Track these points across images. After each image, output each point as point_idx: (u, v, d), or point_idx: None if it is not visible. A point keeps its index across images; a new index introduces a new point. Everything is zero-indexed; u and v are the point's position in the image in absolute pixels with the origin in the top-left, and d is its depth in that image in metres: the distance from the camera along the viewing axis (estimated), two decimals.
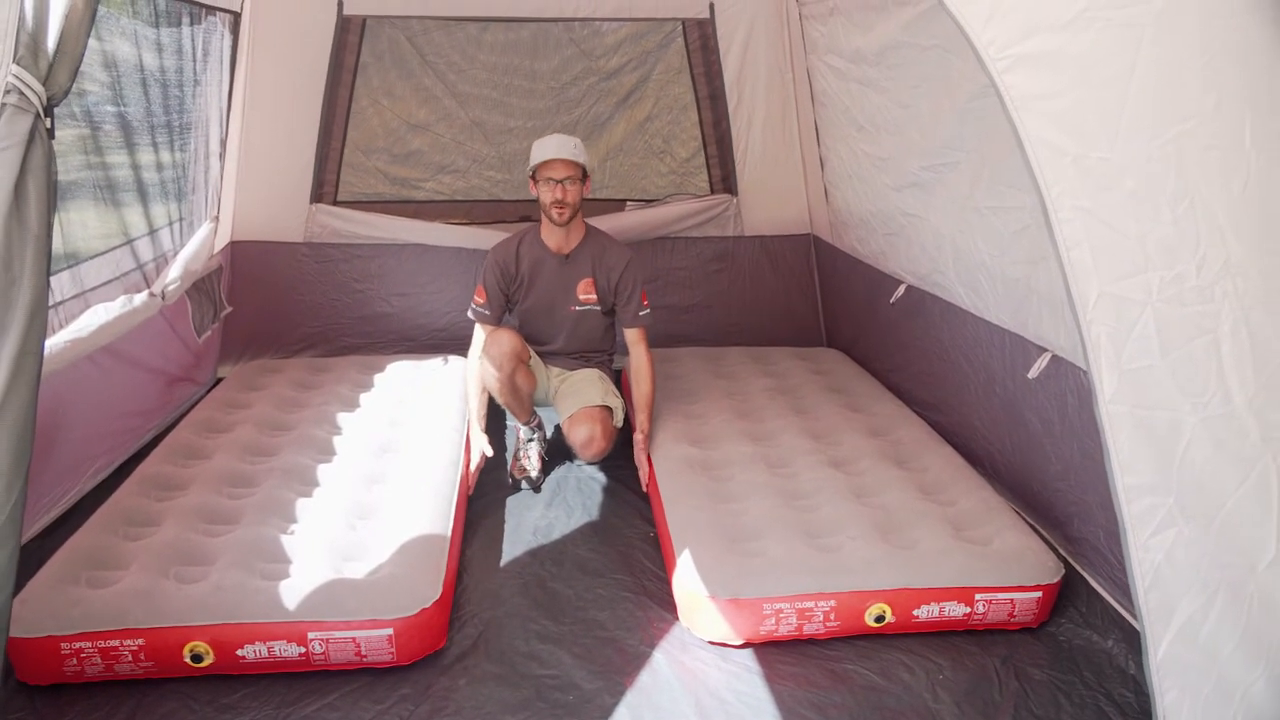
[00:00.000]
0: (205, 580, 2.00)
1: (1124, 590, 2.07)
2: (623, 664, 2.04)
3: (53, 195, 1.22)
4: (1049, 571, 2.13)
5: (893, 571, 2.10)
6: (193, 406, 3.08)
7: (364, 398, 3.14)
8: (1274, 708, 1.38)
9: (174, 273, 3.06)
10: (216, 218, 3.41)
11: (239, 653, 1.93)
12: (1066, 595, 2.22)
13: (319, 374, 3.37)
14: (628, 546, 2.55)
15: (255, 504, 2.35)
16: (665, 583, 2.33)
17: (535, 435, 2.99)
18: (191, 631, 1.91)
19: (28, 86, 1.18)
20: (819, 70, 3.44)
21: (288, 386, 3.23)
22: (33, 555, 2.17)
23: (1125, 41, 1.34)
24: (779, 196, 3.96)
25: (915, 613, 2.10)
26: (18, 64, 1.17)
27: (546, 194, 2.78)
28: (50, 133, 1.24)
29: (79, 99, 2.56)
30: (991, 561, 2.13)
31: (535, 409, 3.01)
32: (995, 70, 1.36)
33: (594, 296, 2.95)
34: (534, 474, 2.89)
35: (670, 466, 2.63)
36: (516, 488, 2.88)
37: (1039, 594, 2.12)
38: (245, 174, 3.62)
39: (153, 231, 3.00)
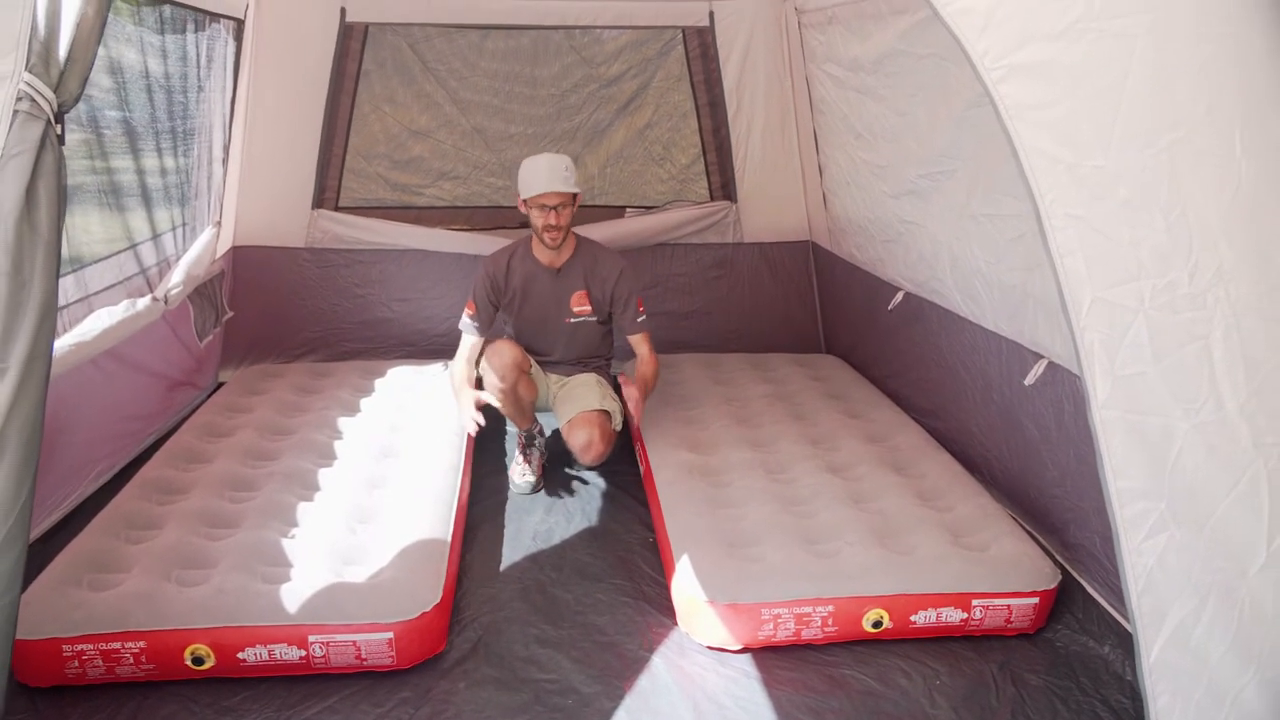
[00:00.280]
0: (206, 583, 2.01)
1: (1120, 596, 2.08)
2: (621, 668, 2.05)
3: (63, 200, 1.24)
4: (1045, 578, 2.14)
5: (890, 577, 2.11)
6: (194, 411, 3.10)
7: (365, 402, 3.16)
8: (1265, 711, 1.39)
9: (176, 277, 3.08)
10: (219, 223, 3.42)
11: (240, 655, 1.94)
12: (1063, 601, 2.23)
13: (320, 379, 3.39)
14: (627, 552, 2.56)
15: (256, 508, 2.36)
16: (664, 588, 2.34)
17: (536, 442, 3.00)
18: (192, 634, 1.92)
19: (39, 94, 1.20)
20: (818, 78, 3.47)
21: (289, 391, 3.24)
22: (35, 558, 2.17)
23: (1118, 52, 1.36)
24: (778, 203, 3.98)
25: (913, 618, 2.11)
26: (30, 72, 1.19)
27: (539, 219, 2.78)
28: (61, 139, 1.26)
29: (84, 104, 2.58)
30: (989, 567, 2.14)
31: (535, 416, 3.02)
32: (990, 80, 1.38)
33: (588, 308, 2.96)
34: (534, 479, 2.90)
35: (669, 472, 2.64)
36: (517, 493, 2.89)
37: (1036, 600, 2.13)
38: (248, 179, 3.64)
39: (156, 236, 3.02)
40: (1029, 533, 2.40)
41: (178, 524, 2.25)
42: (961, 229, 2.65)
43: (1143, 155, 1.37)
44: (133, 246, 2.90)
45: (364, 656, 1.98)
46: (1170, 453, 1.39)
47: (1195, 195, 1.38)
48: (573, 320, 2.97)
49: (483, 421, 2.79)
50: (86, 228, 2.71)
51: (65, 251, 2.52)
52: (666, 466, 2.68)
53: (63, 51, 1.23)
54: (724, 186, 3.97)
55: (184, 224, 3.18)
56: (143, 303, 2.88)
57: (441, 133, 3.85)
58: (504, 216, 3.93)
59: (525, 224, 3.81)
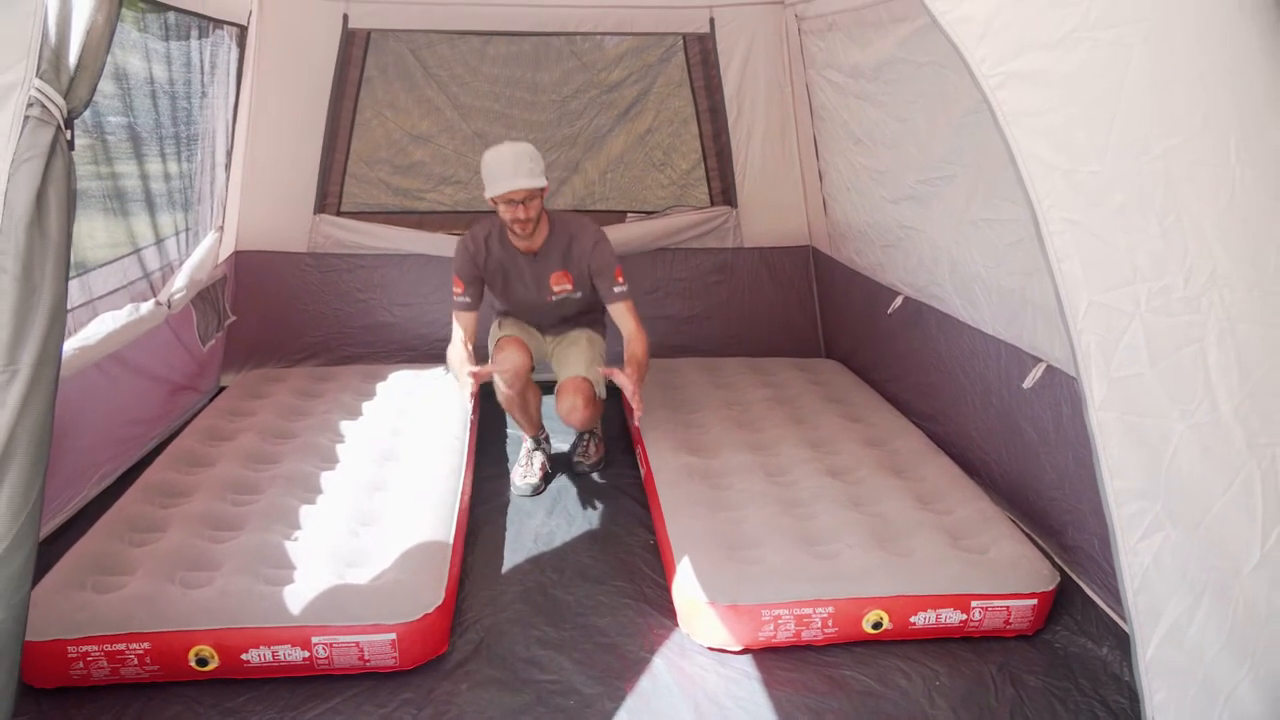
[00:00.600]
0: (210, 585, 2.03)
1: (1118, 597, 2.07)
2: (623, 669, 2.06)
3: (72, 205, 1.25)
4: (1044, 579, 2.15)
5: (890, 579, 2.12)
6: (196, 415, 3.11)
7: (366, 406, 3.17)
8: (1258, 708, 1.40)
9: (180, 282, 3.09)
10: (221, 227, 3.44)
11: (243, 657, 1.95)
12: (1061, 603, 2.24)
13: (321, 383, 3.40)
14: (628, 554, 2.57)
15: (259, 510, 2.37)
16: (665, 589, 2.35)
17: (540, 447, 3.01)
18: (197, 636, 1.93)
19: (49, 100, 1.21)
20: (818, 84, 3.49)
21: (290, 395, 3.26)
22: (38, 561, 2.16)
23: (1114, 60, 1.37)
24: (778, 209, 4.00)
25: (912, 620, 2.12)
26: (40, 78, 1.21)
27: (506, 214, 2.68)
28: (70, 144, 1.28)
29: (88, 109, 2.60)
30: (988, 569, 2.15)
31: (542, 424, 3.03)
32: (988, 87, 1.39)
33: (569, 286, 2.89)
34: (535, 481, 2.92)
35: (670, 475, 2.66)
36: (518, 495, 2.90)
37: (1034, 601, 2.14)
38: (250, 184, 3.66)
39: (159, 241, 3.03)
40: (1028, 535, 2.41)
41: (181, 527, 2.26)
42: (960, 234, 2.66)
43: (1138, 161, 1.39)
44: (136, 251, 2.92)
45: (367, 658, 1.99)
46: (1166, 453, 1.41)
47: (1190, 201, 1.39)
48: (555, 298, 2.91)
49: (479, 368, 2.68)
50: (91, 232, 2.73)
51: (71, 256, 2.56)
52: (667, 469, 2.69)
53: (73, 58, 1.25)
54: (724, 192, 3.99)
55: (187, 229, 3.20)
56: (146, 307, 2.90)
57: (443, 138, 3.88)
58: None
59: None
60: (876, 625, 2.11)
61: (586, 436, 3.12)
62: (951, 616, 2.13)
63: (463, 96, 3.83)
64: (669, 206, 4.00)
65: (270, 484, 2.53)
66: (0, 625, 1.24)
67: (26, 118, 1.21)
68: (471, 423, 3.10)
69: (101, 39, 1.28)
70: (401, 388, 3.34)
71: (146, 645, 1.91)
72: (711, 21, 3.78)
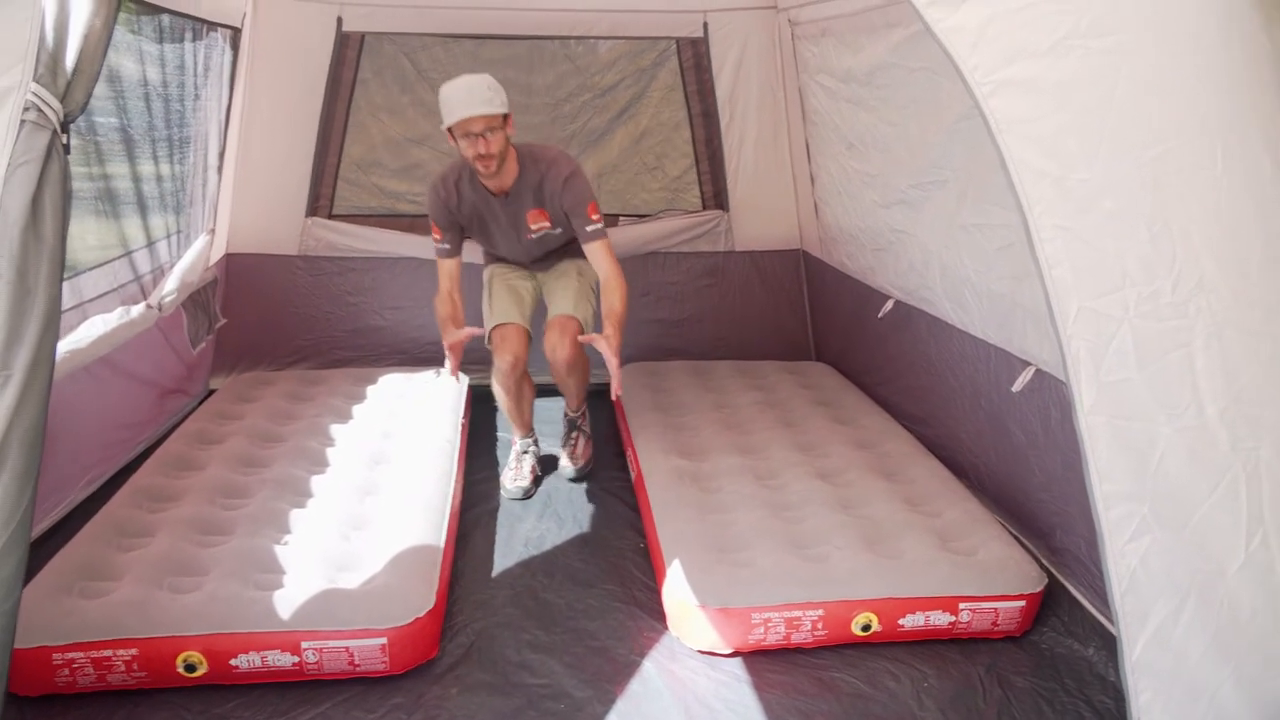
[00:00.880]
0: (199, 590, 2.01)
1: (1104, 599, 2.10)
2: (613, 673, 2.07)
3: (67, 208, 1.25)
4: (1032, 581, 2.17)
5: (879, 581, 2.13)
6: (185, 418, 3.09)
7: (357, 410, 3.16)
8: (1241, 708, 1.42)
9: (170, 284, 3.08)
10: (213, 230, 3.43)
11: (232, 662, 1.94)
12: (1049, 604, 2.26)
13: (312, 386, 3.39)
14: (618, 557, 2.57)
15: (248, 515, 2.36)
16: (655, 593, 2.35)
17: (530, 450, 3.01)
18: (185, 641, 1.91)
19: (46, 104, 1.21)
20: (810, 89, 3.51)
21: (280, 398, 3.24)
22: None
23: (1104, 69, 1.39)
24: (769, 213, 4.01)
25: (901, 622, 2.14)
26: (37, 82, 1.20)
27: (468, 149, 2.51)
28: (66, 148, 1.27)
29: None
30: (976, 572, 2.17)
31: (534, 427, 3.03)
32: (980, 94, 1.41)
33: (546, 224, 2.79)
34: (526, 485, 2.92)
35: (660, 478, 2.66)
36: (508, 499, 2.90)
37: (1022, 603, 2.16)
38: (242, 187, 3.65)
39: (151, 243, 3.02)
40: (1016, 537, 2.43)
41: (169, 531, 2.24)
42: (951, 238, 2.68)
43: (1128, 169, 1.41)
44: (127, 254, 2.90)
45: (357, 662, 1.98)
46: (1153, 457, 1.43)
47: (1178, 208, 1.41)
48: (534, 235, 2.84)
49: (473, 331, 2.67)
50: (81, 234, 2.71)
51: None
52: (657, 472, 2.70)
53: (70, 62, 1.25)
54: (716, 196, 4.00)
55: (178, 231, 3.18)
56: (137, 310, 2.88)
57: (436, 140, 3.87)
58: None
59: None
60: (866, 628, 2.13)
61: (575, 431, 3.11)
62: (940, 618, 2.14)
63: None
64: (661, 210, 4.01)
65: (260, 488, 2.52)
66: None
67: (23, 122, 1.20)
68: (462, 426, 3.10)
69: (99, 43, 1.28)
70: (392, 391, 3.34)
71: (134, 651, 1.90)
72: (705, 26, 3.79)
